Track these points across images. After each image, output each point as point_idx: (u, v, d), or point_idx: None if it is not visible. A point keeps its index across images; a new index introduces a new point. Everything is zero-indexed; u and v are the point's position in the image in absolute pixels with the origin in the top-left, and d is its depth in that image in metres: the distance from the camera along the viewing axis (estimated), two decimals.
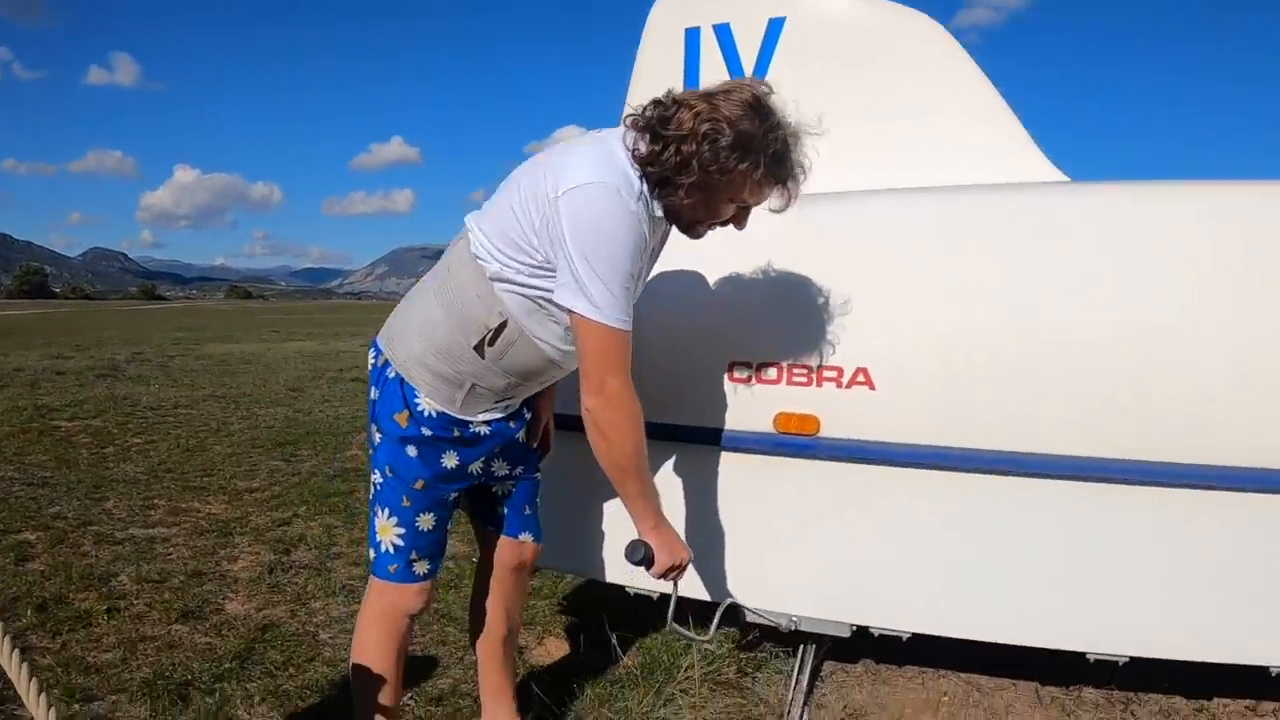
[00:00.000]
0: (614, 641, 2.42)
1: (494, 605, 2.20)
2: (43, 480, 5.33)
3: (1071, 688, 2.68)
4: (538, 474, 2.21)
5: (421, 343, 1.87)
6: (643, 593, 2.54)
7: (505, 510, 2.16)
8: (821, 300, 2.21)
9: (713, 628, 2.04)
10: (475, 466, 2.00)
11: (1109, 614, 2.12)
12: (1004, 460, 2.09)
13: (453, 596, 3.41)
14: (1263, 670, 2.13)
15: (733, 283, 2.31)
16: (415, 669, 2.83)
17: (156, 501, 4.90)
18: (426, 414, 1.88)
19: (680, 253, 2.34)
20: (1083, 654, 2.18)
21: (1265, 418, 1.97)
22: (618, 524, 2.50)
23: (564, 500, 2.47)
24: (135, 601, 3.38)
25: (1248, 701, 2.52)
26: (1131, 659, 2.15)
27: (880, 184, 2.41)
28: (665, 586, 1.97)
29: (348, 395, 9.65)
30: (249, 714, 2.54)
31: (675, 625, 1.97)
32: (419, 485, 1.91)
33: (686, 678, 2.48)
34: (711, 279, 2.33)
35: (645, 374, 2.41)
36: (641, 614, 2.77)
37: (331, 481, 5.41)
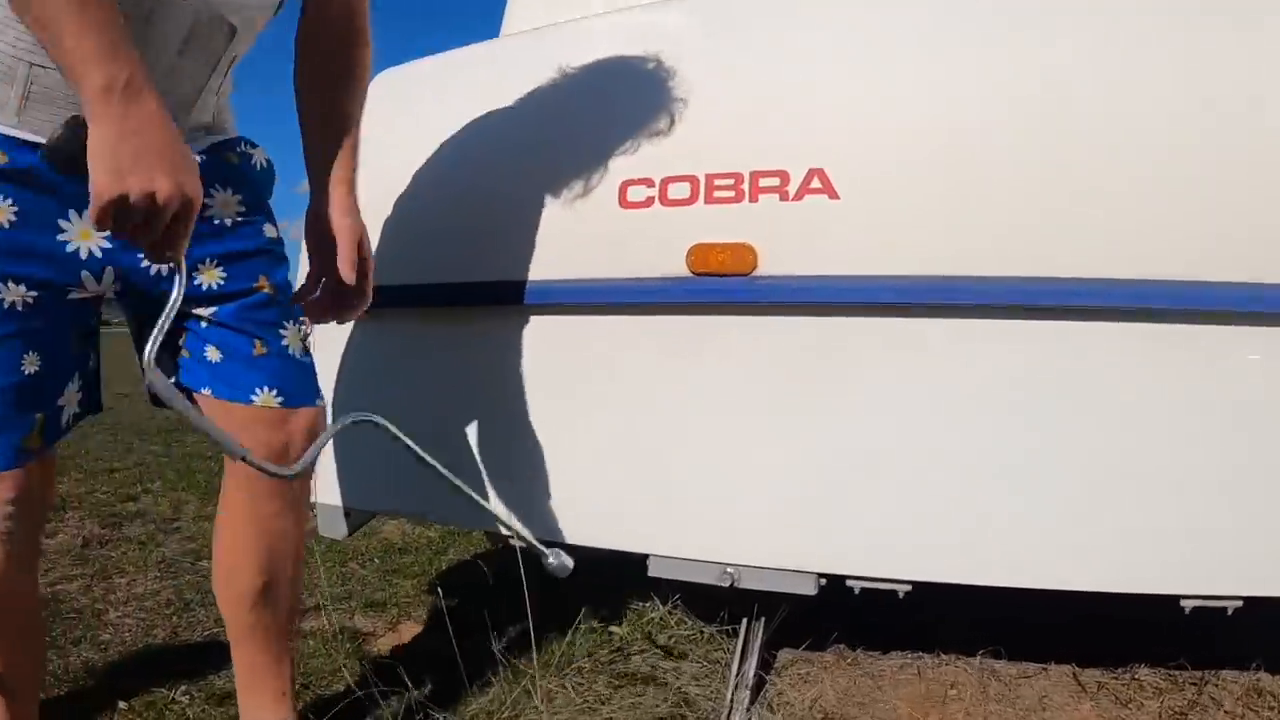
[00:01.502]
0: (489, 624, 1.64)
1: (240, 532, 1.34)
2: None
3: (1121, 669, 1.93)
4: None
5: None
6: (529, 545, 1.77)
7: (223, 357, 1.26)
8: (749, 86, 1.48)
9: None
10: (87, 245, 1.13)
11: (1213, 537, 1.34)
12: (1046, 292, 1.31)
13: None
14: None
15: (624, 80, 1.57)
16: (210, 656, 2.06)
17: None
18: None
19: (553, 64, 1.66)
20: (1163, 609, 1.39)
21: None
22: (496, 454, 1.72)
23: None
24: None
25: None
26: (1245, 602, 1.36)
27: None
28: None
29: None
30: None
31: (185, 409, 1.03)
32: None
33: (575, 669, 1.69)
34: (596, 79, 1.60)
35: (494, 229, 1.68)
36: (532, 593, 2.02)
37: (204, 461, 4.77)
